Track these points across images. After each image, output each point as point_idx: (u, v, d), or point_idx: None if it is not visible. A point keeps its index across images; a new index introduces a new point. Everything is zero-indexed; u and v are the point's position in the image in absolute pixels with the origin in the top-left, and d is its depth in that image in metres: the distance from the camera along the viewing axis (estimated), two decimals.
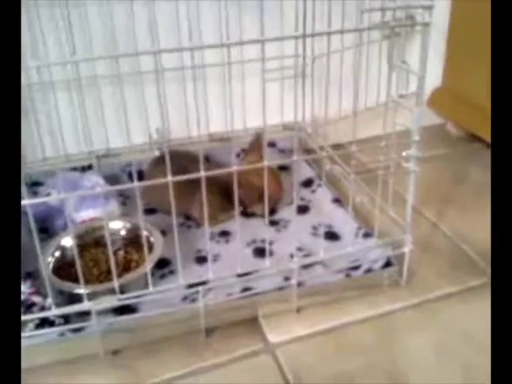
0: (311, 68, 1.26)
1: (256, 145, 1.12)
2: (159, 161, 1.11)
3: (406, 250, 0.89)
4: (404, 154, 0.83)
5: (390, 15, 0.88)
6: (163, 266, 0.92)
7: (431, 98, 1.45)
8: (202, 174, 0.74)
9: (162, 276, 0.91)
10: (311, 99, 1.29)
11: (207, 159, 1.19)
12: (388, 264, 0.90)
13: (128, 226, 0.94)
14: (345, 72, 1.19)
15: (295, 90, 1.30)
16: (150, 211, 1.06)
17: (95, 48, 1.08)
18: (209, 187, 0.77)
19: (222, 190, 1.00)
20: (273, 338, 0.83)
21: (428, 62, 0.80)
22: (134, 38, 1.07)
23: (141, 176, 1.07)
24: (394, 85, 0.94)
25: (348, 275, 0.88)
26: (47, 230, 1.00)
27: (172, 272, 0.92)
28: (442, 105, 1.45)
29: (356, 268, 0.89)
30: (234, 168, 0.76)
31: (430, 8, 0.78)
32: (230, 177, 0.77)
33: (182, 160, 0.97)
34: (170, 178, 0.73)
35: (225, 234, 1.03)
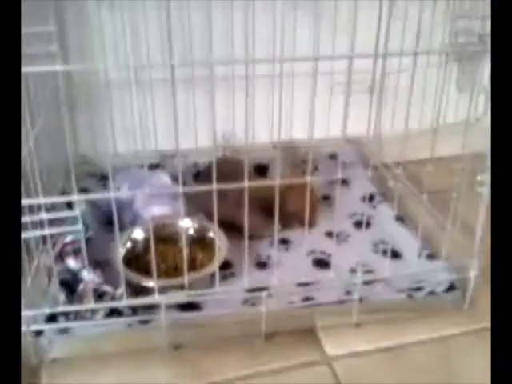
0: (380, 83, 1.27)
1: (291, 160, 1.12)
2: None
3: (472, 275, 0.88)
4: (478, 178, 0.83)
5: (463, 39, 0.88)
6: (224, 268, 0.94)
7: None
8: (246, 184, 0.74)
9: (224, 278, 0.93)
10: (376, 114, 1.29)
11: (265, 168, 1.20)
12: (451, 288, 0.89)
13: (196, 225, 0.97)
14: (414, 91, 1.19)
15: (361, 105, 1.31)
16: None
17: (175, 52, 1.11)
18: (252, 200, 0.76)
19: (265, 205, 0.98)
20: (331, 350, 0.84)
21: None
22: (210, 45, 1.12)
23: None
24: (462, 107, 0.94)
25: (410, 296, 0.88)
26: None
27: (233, 274, 0.94)
28: None
29: (419, 289, 0.89)
30: (277, 181, 0.75)
31: None
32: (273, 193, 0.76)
33: (235, 167, 0.99)
34: (214, 186, 0.73)
35: (284, 241, 1.04)
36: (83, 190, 1.11)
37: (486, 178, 0.83)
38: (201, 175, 1.12)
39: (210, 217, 0.95)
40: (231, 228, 0.95)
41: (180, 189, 0.78)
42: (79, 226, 0.74)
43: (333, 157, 1.31)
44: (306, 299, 0.86)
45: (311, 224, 1.06)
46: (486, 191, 0.83)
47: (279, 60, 0.75)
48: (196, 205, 1.02)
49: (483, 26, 0.82)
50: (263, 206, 0.97)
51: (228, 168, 0.79)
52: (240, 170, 1.01)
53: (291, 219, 1.03)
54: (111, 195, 0.74)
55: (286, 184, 0.78)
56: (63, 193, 1.00)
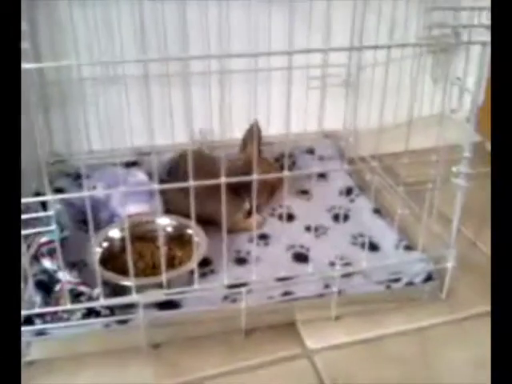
0: (356, 77, 1.27)
1: (252, 135, 1.09)
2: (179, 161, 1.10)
3: (449, 265, 0.89)
4: (454, 169, 0.83)
5: (437, 31, 0.89)
6: (204, 265, 0.94)
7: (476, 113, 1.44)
8: (223, 180, 0.73)
9: (203, 274, 0.92)
10: (353, 108, 1.30)
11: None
12: (429, 278, 0.90)
13: (174, 223, 0.96)
14: (389, 83, 1.19)
15: (338, 99, 1.32)
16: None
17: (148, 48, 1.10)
18: (217, 187, 0.74)
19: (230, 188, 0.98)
20: (311, 343, 0.84)
21: (470, 79, 0.80)
22: (185, 40, 1.11)
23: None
24: (437, 99, 0.95)
25: (388, 287, 0.89)
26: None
27: (213, 271, 0.94)
28: (482, 122, 1.44)
29: (397, 280, 0.89)
30: (255, 177, 0.75)
31: (489, 27, 0.78)
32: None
33: (201, 161, 0.99)
34: (191, 183, 0.72)
35: (264, 237, 1.04)
36: (59, 190, 1.09)
37: (461, 168, 0.84)
38: (167, 172, 1.11)
39: (181, 213, 0.95)
40: (206, 222, 0.95)
41: (155, 186, 0.78)
42: (53, 226, 0.72)
43: (310, 151, 1.31)
44: (286, 294, 0.86)
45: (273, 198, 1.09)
46: (461, 182, 0.84)
47: (254, 55, 0.75)
48: (168, 202, 1.02)
49: (457, 18, 0.83)
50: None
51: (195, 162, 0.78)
52: (206, 162, 1.02)
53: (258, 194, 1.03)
54: (85, 194, 0.72)
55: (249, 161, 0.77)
56: (37, 193, 0.99)
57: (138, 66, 1.09)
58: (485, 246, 1.07)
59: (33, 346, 0.78)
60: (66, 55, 1.13)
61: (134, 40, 1.12)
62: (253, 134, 1.10)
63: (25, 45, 0.62)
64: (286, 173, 0.78)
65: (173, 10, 1.15)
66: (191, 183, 0.72)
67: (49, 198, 0.72)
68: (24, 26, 0.62)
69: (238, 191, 1.01)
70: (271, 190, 1.10)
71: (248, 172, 0.77)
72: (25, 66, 0.62)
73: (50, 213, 0.72)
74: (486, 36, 0.79)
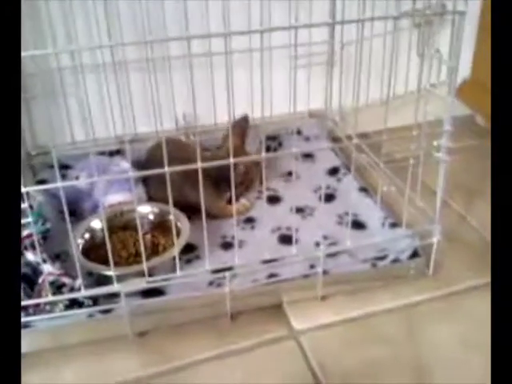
0: (340, 55, 1.25)
1: (239, 127, 1.10)
2: (156, 150, 1.09)
3: (434, 240, 0.88)
4: (435, 143, 0.82)
5: (421, 4, 0.87)
6: (189, 250, 0.93)
7: (460, 88, 1.42)
8: (199, 165, 0.72)
9: (188, 261, 0.92)
10: (339, 87, 1.28)
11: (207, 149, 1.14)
12: (415, 255, 0.89)
13: (156, 210, 0.95)
14: (374, 60, 1.18)
15: (324, 78, 1.30)
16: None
17: (125, 33, 1.08)
18: (195, 175, 0.74)
19: (211, 179, 0.98)
20: (297, 324, 0.83)
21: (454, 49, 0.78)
22: (164, 24, 1.09)
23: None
24: (424, 74, 0.93)
25: (374, 265, 0.88)
26: (75, 212, 1.01)
27: (198, 257, 0.93)
28: (471, 96, 1.42)
29: (382, 258, 0.89)
30: (231, 160, 0.74)
31: None
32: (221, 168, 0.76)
33: (181, 149, 0.98)
34: (166, 169, 0.71)
35: (250, 220, 1.04)
36: (42, 182, 1.08)
37: (441, 142, 0.83)
38: (144, 161, 1.10)
39: (162, 201, 0.94)
40: (191, 210, 0.93)
41: (132, 174, 0.77)
42: (29, 219, 0.72)
43: (297, 132, 1.30)
44: (271, 276, 0.86)
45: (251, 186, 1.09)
46: (442, 156, 0.83)
47: (227, 35, 0.73)
48: (150, 192, 1.01)
49: None
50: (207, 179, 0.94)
51: (173, 149, 0.77)
52: (184, 150, 1.01)
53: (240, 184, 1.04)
54: (60, 185, 0.71)
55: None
56: None
57: (118, 53, 1.08)
58: (474, 220, 1.06)
59: None
60: (43, 44, 1.11)
61: (112, 26, 1.10)
62: (237, 125, 1.10)
63: None
64: (263, 154, 0.77)
65: None
66: (166, 169, 0.72)
67: (25, 189, 0.71)
68: None
69: (219, 181, 1.00)
70: (252, 179, 1.08)
71: (225, 170, 0.76)
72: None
73: (25, 205, 0.71)
74: (464, 6, 0.77)
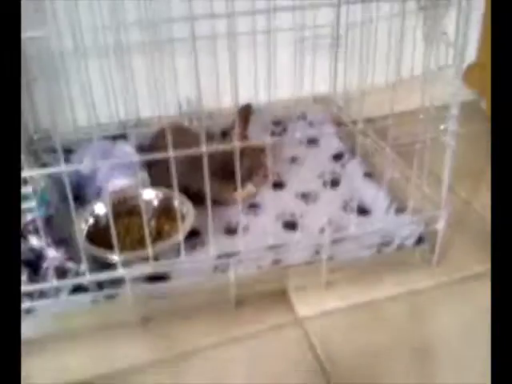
0: (345, 38, 1.24)
1: (243, 115, 1.06)
2: (159, 137, 1.08)
3: (440, 226, 0.87)
4: (442, 127, 0.81)
5: None
6: (194, 236, 0.93)
7: (465, 73, 1.40)
8: (204, 149, 0.72)
9: (193, 246, 0.92)
10: (344, 70, 1.27)
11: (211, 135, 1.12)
12: (420, 241, 0.89)
13: (160, 195, 0.95)
14: (379, 43, 1.16)
15: (329, 61, 1.28)
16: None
17: (128, 14, 1.07)
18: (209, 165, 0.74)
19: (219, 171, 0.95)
20: (302, 310, 0.83)
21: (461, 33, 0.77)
22: (169, 4, 1.07)
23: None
24: (430, 57, 0.91)
25: (379, 251, 0.88)
26: (78, 197, 1.01)
27: (202, 243, 0.93)
28: (477, 80, 1.41)
29: (387, 244, 0.89)
30: (237, 144, 0.74)
31: None
32: (227, 154, 0.76)
33: (185, 136, 0.96)
34: (171, 154, 0.71)
35: (254, 206, 1.03)
36: (44, 166, 1.07)
37: (448, 126, 0.82)
38: (148, 148, 1.09)
39: (168, 187, 0.93)
40: (196, 198, 0.93)
41: (136, 157, 0.76)
42: (32, 203, 0.71)
43: (302, 117, 1.29)
44: (275, 262, 0.86)
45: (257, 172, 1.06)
46: (449, 140, 0.82)
47: (231, 15, 0.71)
48: (154, 177, 1.00)
49: None
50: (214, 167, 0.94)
51: (176, 136, 0.76)
52: (188, 136, 1.00)
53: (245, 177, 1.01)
54: (63, 169, 0.71)
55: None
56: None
57: (120, 35, 1.06)
58: (480, 207, 1.05)
59: (22, 325, 0.77)
60: (43, 26, 1.10)
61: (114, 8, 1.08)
62: (241, 113, 1.08)
63: None
64: (269, 139, 0.76)
65: None
66: (171, 154, 0.71)
67: (26, 173, 0.71)
68: None
69: (225, 169, 0.98)
70: (257, 165, 1.06)
71: (231, 156, 0.75)
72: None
73: (29, 190, 0.70)
74: None
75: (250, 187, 1.05)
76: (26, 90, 1.17)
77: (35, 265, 0.83)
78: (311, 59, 1.28)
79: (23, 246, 0.85)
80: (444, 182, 0.85)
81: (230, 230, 0.96)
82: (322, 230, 0.93)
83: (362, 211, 0.98)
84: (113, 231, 0.74)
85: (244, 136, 1.07)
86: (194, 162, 0.74)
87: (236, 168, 0.76)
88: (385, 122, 0.83)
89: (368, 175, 1.07)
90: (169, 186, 0.77)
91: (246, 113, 1.07)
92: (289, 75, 1.25)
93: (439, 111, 0.84)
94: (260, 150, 1.06)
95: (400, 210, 0.95)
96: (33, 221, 0.87)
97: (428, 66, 0.87)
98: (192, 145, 0.73)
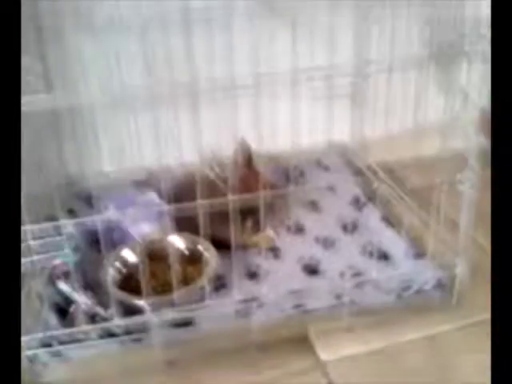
0: (361, 88, 1.28)
1: (243, 158, 1.10)
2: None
3: (458, 271, 0.89)
4: (458, 176, 0.84)
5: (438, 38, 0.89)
6: (216, 280, 0.95)
7: (482, 120, 1.43)
8: (230, 197, 0.77)
9: (216, 291, 0.94)
10: (360, 118, 1.30)
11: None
12: (439, 285, 0.90)
13: (185, 241, 0.97)
14: (393, 92, 1.20)
15: (343, 109, 1.32)
16: None
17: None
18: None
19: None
20: (324, 355, 0.84)
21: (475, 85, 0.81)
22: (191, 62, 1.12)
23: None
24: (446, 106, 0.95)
25: (399, 296, 0.89)
26: (105, 242, 1.04)
27: (225, 287, 0.95)
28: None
29: (407, 289, 0.90)
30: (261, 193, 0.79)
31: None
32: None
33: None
34: (199, 202, 0.75)
35: (273, 249, 1.05)
36: (70, 212, 1.11)
37: (466, 176, 0.84)
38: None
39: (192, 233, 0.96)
40: (217, 245, 0.96)
41: (165, 207, 0.80)
42: (67, 251, 0.74)
43: (318, 163, 1.32)
44: (297, 306, 0.87)
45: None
46: (466, 189, 0.84)
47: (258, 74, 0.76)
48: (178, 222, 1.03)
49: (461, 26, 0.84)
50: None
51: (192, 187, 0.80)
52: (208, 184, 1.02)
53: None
54: (97, 218, 0.74)
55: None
56: (51, 217, 1.01)
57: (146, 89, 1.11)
58: None
59: (49, 368, 0.80)
60: (75, 82, 1.15)
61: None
62: (239, 152, 1.10)
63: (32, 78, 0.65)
64: (291, 188, 0.79)
65: (178, 37, 1.16)
66: (198, 202, 0.74)
67: (60, 223, 0.74)
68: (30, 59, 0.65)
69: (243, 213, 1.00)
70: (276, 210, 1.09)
71: (241, 192, 0.78)
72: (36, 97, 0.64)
73: (63, 237, 0.74)
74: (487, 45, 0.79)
75: (269, 231, 1.07)
76: (55, 138, 1.22)
77: (63, 308, 0.86)
78: (327, 107, 1.32)
79: (52, 290, 0.88)
80: (461, 228, 0.87)
81: (251, 274, 0.99)
82: (341, 275, 0.95)
83: (381, 256, 1.00)
84: (142, 277, 0.76)
85: (254, 176, 1.07)
86: (214, 210, 0.77)
87: (260, 214, 0.79)
88: (403, 170, 0.86)
89: (385, 220, 1.09)
90: (192, 231, 0.79)
91: (245, 151, 1.09)
92: (304, 122, 1.29)
93: (456, 158, 0.86)
94: (279, 195, 1.08)
95: (419, 255, 0.97)
96: (61, 265, 0.90)
97: (444, 115, 0.90)
98: (212, 192, 0.76)
